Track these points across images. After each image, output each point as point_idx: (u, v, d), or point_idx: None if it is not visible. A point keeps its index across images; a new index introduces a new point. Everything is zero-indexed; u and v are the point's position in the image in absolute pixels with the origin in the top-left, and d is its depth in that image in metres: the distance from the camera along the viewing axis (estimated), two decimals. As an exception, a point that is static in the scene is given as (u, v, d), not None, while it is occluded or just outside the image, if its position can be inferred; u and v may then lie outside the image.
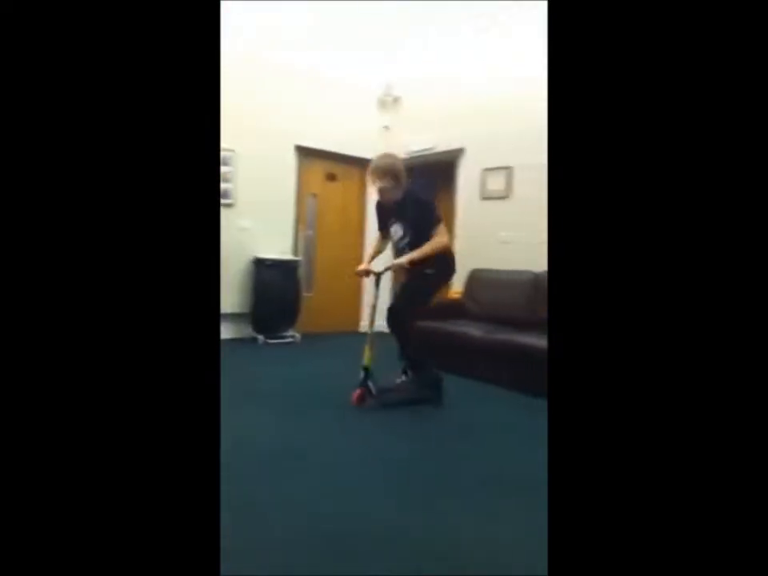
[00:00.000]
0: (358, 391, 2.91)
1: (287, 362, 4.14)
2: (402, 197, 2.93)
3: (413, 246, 2.92)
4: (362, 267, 3.16)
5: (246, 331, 4.91)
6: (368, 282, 5.74)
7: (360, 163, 5.60)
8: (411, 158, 5.38)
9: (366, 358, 2.95)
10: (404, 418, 2.79)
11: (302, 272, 5.08)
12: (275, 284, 4.74)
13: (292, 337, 4.94)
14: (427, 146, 5.19)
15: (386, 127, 5.61)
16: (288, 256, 5.02)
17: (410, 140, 5.32)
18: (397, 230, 3.03)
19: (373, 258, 3.23)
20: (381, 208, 3.13)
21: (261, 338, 4.78)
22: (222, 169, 4.62)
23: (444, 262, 3.00)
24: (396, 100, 5.54)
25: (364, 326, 5.78)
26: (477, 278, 4.40)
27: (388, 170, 2.85)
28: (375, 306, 3.10)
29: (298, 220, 5.26)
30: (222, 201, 4.64)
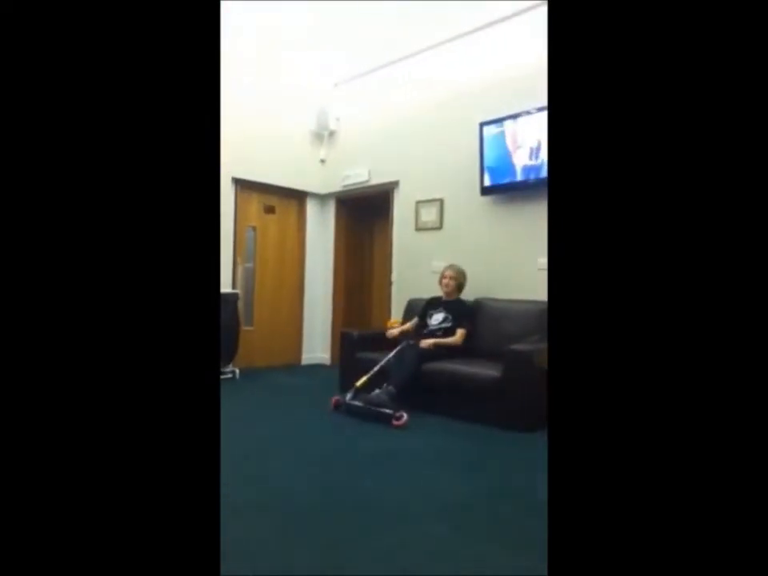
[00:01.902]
0: (335, 398, 3.60)
1: (227, 400, 4.06)
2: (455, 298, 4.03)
3: (446, 332, 3.85)
4: (394, 332, 4.09)
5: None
6: (308, 317, 5.76)
7: (298, 195, 5.68)
8: (347, 190, 5.50)
9: (360, 383, 3.60)
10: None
11: (240, 305, 5.03)
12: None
13: (231, 373, 4.86)
14: (362, 179, 5.32)
15: (323, 160, 5.72)
16: (226, 289, 4.97)
17: (345, 173, 5.44)
18: (438, 318, 3.97)
19: (402, 332, 4.07)
20: (432, 302, 4.11)
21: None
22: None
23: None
24: (332, 134, 5.66)
25: (307, 358, 5.78)
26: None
27: (458, 278, 4.00)
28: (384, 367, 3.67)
29: (236, 252, 5.23)
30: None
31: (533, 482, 2.20)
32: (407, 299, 4.56)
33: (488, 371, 3.27)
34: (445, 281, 4.00)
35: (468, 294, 4.07)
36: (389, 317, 4.91)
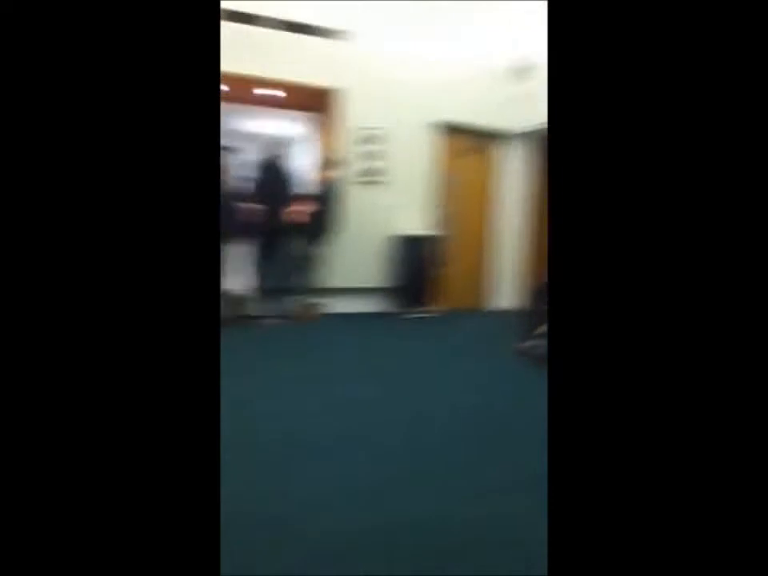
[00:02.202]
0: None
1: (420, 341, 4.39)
2: None
3: None
4: None
5: (387, 305, 5.18)
6: (499, 262, 5.71)
7: (494, 136, 5.54)
8: (545, 129, 5.16)
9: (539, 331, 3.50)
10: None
11: (438, 247, 5.23)
12: (415, 259, 4.97)
13: (426, 312, 5.08)
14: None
15: (520, 97, 5.36)
16: (427, 231, 5.18)
17: (544, 109, 5.09)
18: None
19: None
20: None
21: (400, 311, 5.01)
22: (373, 147, 4.95)
23: None
24: (532, 67, 5.26)
25: (495, 303, 5.75)
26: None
27: None
28: None
29: (439, 196, 5.39)
30: (374, 179, 4.98)
31: None
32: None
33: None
34: None
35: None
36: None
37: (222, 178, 4.52)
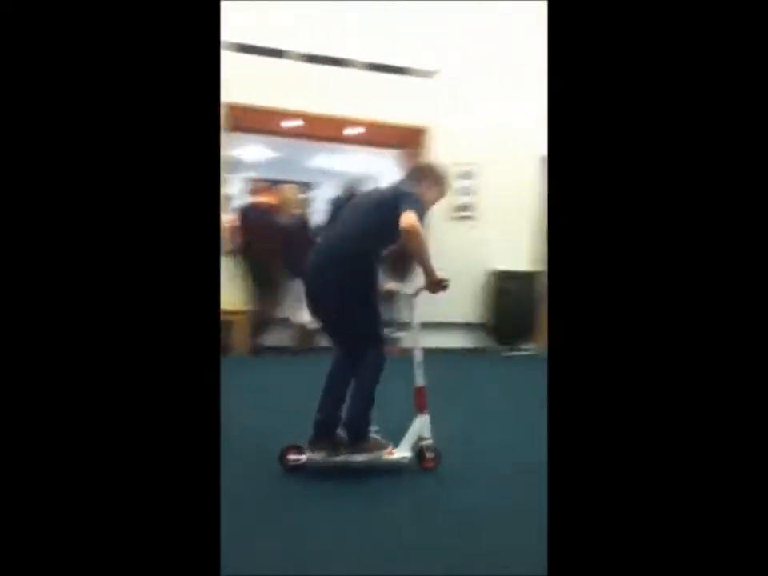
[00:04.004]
0: None
1: (523, 378, 4.11)
2: None
3: None
4: None
5: (481, 341, 5.02)
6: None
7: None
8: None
9: None
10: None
11: (541, 284, 4.98)
12: (513, 295, 4.75)
13: (531, 349, 4.88)
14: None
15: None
16: (527, 267, 4.98)
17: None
18: None
19: None
20: None
21: (498, 348, 4.83)
22: (465, 183, 4.83)
23: None
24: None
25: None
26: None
27: None
28: None
29: (540, 232, 5.15)
30: (463, 213, 4.84)
31: None
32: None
33: None
34: None
35: None
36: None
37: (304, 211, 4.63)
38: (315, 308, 2.23)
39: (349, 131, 5.21)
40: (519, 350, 4.86)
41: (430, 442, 2.15)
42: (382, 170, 6.81)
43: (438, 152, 4.73)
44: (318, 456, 2.09)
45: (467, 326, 5.02)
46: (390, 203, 2.04)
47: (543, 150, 4.98)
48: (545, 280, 5.07)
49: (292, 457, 2.09)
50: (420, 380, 2.16)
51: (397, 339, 4.62)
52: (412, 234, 1.93)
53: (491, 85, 4.90)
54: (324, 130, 5.09)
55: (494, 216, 4.97)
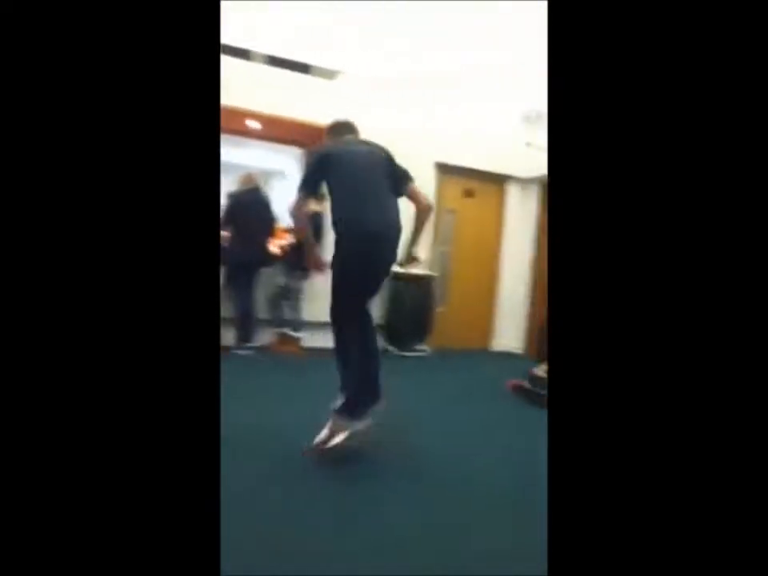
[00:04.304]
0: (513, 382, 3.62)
1: (416, 377, 4.24)
2: None
3: None
4: None
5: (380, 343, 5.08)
6: (501, 305, 5.66)
7: (499, 179, 5.57)
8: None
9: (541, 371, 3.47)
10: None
11: (436, 287, 5.15)
12: (409, 298, 4.87)
13: (423, 351, 5.03)
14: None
15: (529, 144, 5.50)
16: (423, 271, 5.12)
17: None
18: None
19: None
20: None
21: (393, 349, 4.93)
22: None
23: None
24: (540, 116, 5.39)
25: (497, 344, 5.70)
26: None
27: None
28: None
29: (435, 236, 5.34)
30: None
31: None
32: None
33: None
34: None
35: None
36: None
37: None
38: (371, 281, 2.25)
39: (249, 124, 5.06)
40: (414, 351, 4.98)
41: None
42: (283, 167, 6.71)
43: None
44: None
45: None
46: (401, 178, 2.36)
47: (439, 156, 5.20)
48: (438, 283, 5.27)
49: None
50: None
51: (297, 339, 4.58)
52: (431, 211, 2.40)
53: (399, 90, 4.98)
54: (223, 122, 4.88)
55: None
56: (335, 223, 2.18)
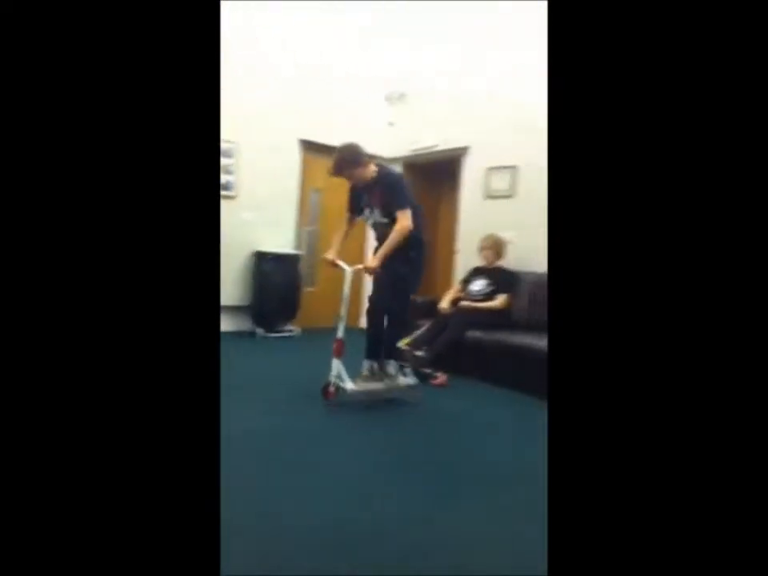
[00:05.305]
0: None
1: (281, 355, 4.14)
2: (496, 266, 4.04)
3: (487, 298, 3.87)
4: (444, 304, 3.97)
5: (246, 324, 4.91)
6: (369, 281, 5.75)
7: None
8: (415, 155, 5.37)
9: (403, 343, 3.52)
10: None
11: (303, 266, 5.07)
12: (276, 278, 4.74)
13: (290, 331, 4.94)
14: (431, 144, 5.17)
15: (391, 123, 5.59)
16: (289, 250, 5.01)
17: (414, 137, 5.30)
18: (479, 285, 3.97)
19: (453, 302, 3.98)
20: (475, 270, 4.11)
21: (260, 331, 4.78)
22: (223, 161, 4.62)
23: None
24: (402, 96, 5.51)
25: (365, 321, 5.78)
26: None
27: (496, 248, 4.04)
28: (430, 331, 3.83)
29: (301, 214, 5.24)
30: (224, 193, 4.63)
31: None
32: (470, 268, 4.43)
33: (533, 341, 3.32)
34: (483, 252, 4.08)
35: (534, 267, 3.91)
36: (452, 286, 4.81)
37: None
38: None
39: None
40: (282, 331, 4.88)
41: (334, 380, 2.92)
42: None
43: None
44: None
45: (234, 309, 4.84)
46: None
47: (302, 134, 5.09)
48: (306, 262, 5.19)
49: None
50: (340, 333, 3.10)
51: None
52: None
53: (261, 68, 4.78)
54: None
55: (257, 197, 4.87)
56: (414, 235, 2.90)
